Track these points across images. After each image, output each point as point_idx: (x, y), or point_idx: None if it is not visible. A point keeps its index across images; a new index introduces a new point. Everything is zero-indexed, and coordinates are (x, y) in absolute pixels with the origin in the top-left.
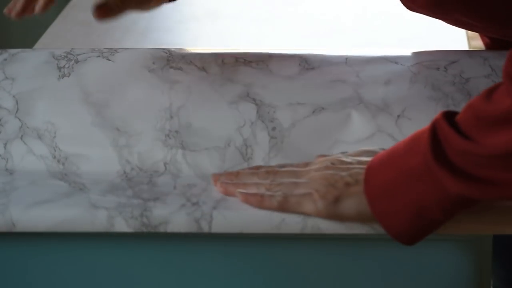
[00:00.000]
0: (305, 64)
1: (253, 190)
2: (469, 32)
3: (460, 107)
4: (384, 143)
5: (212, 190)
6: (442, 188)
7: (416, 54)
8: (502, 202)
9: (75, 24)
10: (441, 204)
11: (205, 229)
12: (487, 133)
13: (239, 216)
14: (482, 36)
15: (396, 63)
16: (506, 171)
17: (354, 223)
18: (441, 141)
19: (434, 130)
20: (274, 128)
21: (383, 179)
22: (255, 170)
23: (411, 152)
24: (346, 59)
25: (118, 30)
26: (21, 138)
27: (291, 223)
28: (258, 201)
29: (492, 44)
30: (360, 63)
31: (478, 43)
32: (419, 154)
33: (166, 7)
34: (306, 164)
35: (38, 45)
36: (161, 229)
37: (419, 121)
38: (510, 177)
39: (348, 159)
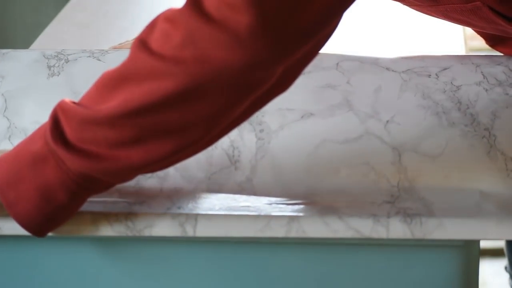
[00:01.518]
0: None
1: None
2: (467, 32)
3: (450, 116)
4: (372, 145)
5: (198, 193)
6: (62, 167)
7: (408, 60)
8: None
9: (72, 25)
10: (65, 185)
11: (190, 233)
12: (103, 99)
13: (224, 220)
14: (479, 34)
15: (387, 69)
16: (112, 145)
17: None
18: (60, 119)
19: (55, 110)
20: (262, 130)
21: (10, 168)
22: None
23: (35, 138)
24: (337, 64)
25: (116, 31)
26: (9, 139)
27: (276, 227)
28: None
29: (489, 41)
30: (351, 69)
31: (476, 43)
32: (41, 137)
33: (164, 8)
34: None
35: (34, 46)
36: (146, 233)
37: (408, 126)
38: (113, 153)
39: None
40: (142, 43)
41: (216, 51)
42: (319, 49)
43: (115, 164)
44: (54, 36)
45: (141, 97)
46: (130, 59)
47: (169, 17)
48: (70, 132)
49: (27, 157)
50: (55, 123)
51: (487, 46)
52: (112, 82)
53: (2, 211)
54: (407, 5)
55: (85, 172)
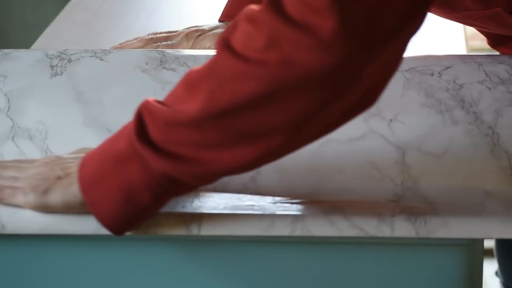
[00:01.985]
0: None
1: None
2: (468, 32)
3: (453, 114)
4: (376, 144)
5: (202, 192)
6: (147, 168)
7: (411, 59)
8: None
9: (73, 25)
10: (149, 186)
11: (195, 231)
12: (185, 99)
13: (228, 219)
14: (482, 34)
15: None
16: (197, 147)
17: (71, 214)
18: (144, 120)
19: (139, 110)
20: None
21: (95, 167)
22: None
23: (119, 137)
24: None
25: (116, 30)
26: (13, 139)
27: (280, 226)
28: None
29: (492, 42)
30: None
31: (477, 43)
32: (125, 137)
33: (164, 8)
34: (32, 161)
35: (35, 45)
36: (151, 232)
37: (412, 125)
38: (198, 156)
39: (66, 156)
40: (225, 42)
41: (300, 54)
42: (403, 52)
43: (200, 167)
44: (54, 36)
45: (224, 99)
46: (214, 58)
47: (250, 17)
48: (154, 133)
49: (112, 157)
50: (140, 123)
51: (487, 46)
52: (195, 81)
53: (83, 209)
54: None
55: (169, 173)
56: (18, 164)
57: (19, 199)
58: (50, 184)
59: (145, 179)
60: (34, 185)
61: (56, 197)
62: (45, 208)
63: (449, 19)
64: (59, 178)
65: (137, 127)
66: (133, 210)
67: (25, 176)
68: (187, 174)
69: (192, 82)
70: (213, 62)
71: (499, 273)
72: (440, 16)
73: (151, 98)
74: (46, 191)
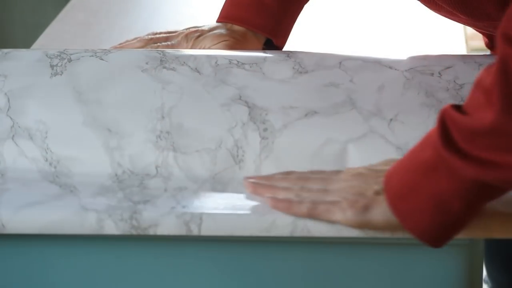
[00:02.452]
0: (299, 67)
1: (281, 195)
2: (468, 32)
3: None
4: (375, 144)
5: (202, 192)
6: (456, 176)
7: (411, 59)
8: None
9: (73, 25)
10: (459, 193)
11: (195, 231)
12: (482, 104)
13: (229, 219)
14: (483, 35)
15: (390, 68)
16: (507, 152)
17: (384, 232)
18: (449, 127)
19: (442, 118)
20: (265, 129)
21: (400, 180)
22: (286, 175)
23: (423, 146)
24: (340, 63)
25: (116, 30)
26: (13, 139)
27: (280, 226)
28: (286, 207)
29: (491, 44)
30: (354, 68)
31: (476, 43)
32: (430, 146)
33: (164, 8)
34: (337, 173)
35: (35, 45)
36: (151, 232)
37: (412, 125)
38: (508, 160)
39: (378, 169)
40: (507, 37)
41: None
42: None
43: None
44: (55, 36)
45: None
46: (502, 56)
47: None
48: (460, 140)
49: (418, 166)
50: (444, 131)
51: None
52: (488, 85)
53: (395, 228)
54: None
55: (480, 179)
56: (321, 175)
57: (337, 215)
58: (369, 200)
59: (454, 187)
60: (352, 201)
61: (379, 215)
62: (365, 226)
63: (468, 25)
64: (378, 193)
65: (442, 135)
66: (444, 219)
67: (336, 189)
68: (499, 179)
69: (486, 86)
70: (502, 61)
71: (486, 279)
72: (460, 23)
73: (449, 104)
74: (366, 208)
